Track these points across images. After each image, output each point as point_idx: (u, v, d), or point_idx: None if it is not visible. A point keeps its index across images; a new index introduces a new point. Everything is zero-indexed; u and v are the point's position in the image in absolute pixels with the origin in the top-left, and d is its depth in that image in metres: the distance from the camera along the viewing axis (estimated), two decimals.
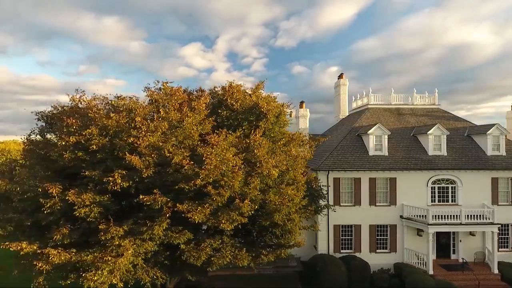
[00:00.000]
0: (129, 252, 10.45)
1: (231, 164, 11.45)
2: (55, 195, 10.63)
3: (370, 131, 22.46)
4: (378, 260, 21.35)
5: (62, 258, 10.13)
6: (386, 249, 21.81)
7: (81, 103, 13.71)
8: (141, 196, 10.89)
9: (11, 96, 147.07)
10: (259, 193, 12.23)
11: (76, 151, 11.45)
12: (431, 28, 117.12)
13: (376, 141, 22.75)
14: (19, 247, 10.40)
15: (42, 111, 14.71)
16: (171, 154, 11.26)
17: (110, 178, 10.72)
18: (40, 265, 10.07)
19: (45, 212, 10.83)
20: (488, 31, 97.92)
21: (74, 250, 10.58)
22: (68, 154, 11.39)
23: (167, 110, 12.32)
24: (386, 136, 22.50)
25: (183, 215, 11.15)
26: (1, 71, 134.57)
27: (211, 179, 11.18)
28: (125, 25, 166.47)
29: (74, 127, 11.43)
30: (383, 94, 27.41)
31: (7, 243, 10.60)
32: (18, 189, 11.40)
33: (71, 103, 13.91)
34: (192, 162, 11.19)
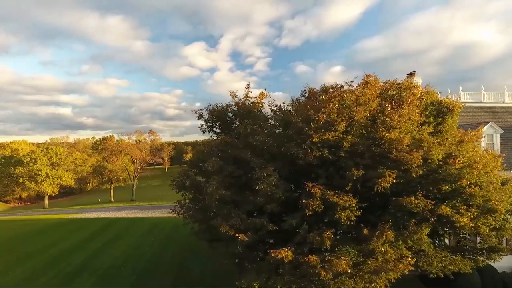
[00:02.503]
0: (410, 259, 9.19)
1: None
2: (318, 196, 9.08)
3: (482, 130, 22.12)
4: None
5: (344, 266, 8.60)
6: None
7: (248, 100, 12.69)
8: (407, 198, 9.65)
9: (12, 96, 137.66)
10: None
11: (322, 149, 9.82)
12: (437, 27, 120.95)
13: (488, 139, 22.48)
14: (282, 255, 8.65)
15: (201, 109, 13.79)
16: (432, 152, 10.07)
17: (380, 179, 9.25)
18: (324, 274, 8.43)
19: (307, 213, 9.06)
20: (494, 30, 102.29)
21: (348, 258, 9.10)
22: (315, 152, 9.68)
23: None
24: (498, 135, 22.28)
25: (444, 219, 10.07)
26: (2, 71, 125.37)
27: (473, 179, 10.17)
28: (129, 25, 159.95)
29: (321, 122, 9.82)
30: (473, 92, 27.25)
31: (273, 250, 8.84)
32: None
33: (239, 100, 12.83)
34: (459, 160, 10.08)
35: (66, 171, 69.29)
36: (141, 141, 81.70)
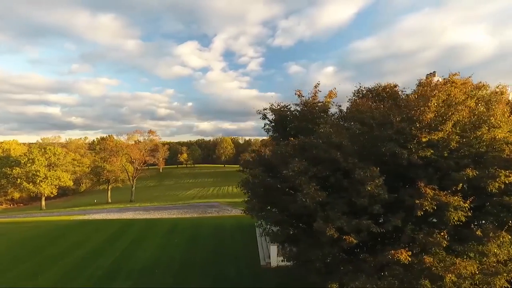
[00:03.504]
0: None
1: None
2: (429, 196, 8.74)
3: None
4: None
5: (468, 268, 8.36)
6: None
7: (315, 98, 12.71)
8: None
9: None
10: None
11: (427, 149, 9.51)
12: (430, 29, 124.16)
13: None
14: (402, 256, 8.38)
15: (265, 109, 13.82)
16: None
17: (492, 180, 8.85)
18: (449, 276, 8.24)
19: (419, 214, 8.74)
20: (485, 32, 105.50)
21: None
22: (421, 152, 9.13)
23: None
24: None
25: None
26: None
27: None
28: (121, 23, 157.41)
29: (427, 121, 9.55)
30: None
31: (393, 251, 8.43)
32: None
33: (306, 98, 12.83)
34: None
35: (64, 171, 67.65)
36: (140, 141, 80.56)
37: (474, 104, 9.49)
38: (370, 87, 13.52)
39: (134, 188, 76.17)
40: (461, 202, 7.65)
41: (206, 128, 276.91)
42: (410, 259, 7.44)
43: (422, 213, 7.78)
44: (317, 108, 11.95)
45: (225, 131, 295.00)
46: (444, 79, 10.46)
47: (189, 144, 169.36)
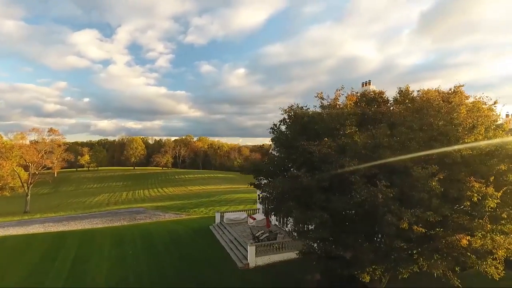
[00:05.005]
0: None
1: None
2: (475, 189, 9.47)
3: None
4: None
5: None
6: None
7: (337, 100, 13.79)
8: None
9: None
10: None
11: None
12: (331, 40, 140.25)
13: None
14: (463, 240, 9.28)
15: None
16: None
17: None
18: (500, 252, 9.54)
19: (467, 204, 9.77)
20: (373, 48, 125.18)
21: None
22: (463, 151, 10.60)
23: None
24: None
25: None
26: None
27: None
28: None
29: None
30: None
31: (456, 237, 9.35)
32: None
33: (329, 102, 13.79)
34: None
35: None
36: (38, 141, 68.03)
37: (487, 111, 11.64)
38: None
39: (29, 196, 63.81)
40: (495, 192, 9.42)
41: (106, 127, 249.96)
42: (468, 243, 8.83)
43: (469, 203, 9.28)
44: (346, 111, 12.59)
45: (128, 131, 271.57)
46: (451, 89, 12.44)
47: (90, 145, 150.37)
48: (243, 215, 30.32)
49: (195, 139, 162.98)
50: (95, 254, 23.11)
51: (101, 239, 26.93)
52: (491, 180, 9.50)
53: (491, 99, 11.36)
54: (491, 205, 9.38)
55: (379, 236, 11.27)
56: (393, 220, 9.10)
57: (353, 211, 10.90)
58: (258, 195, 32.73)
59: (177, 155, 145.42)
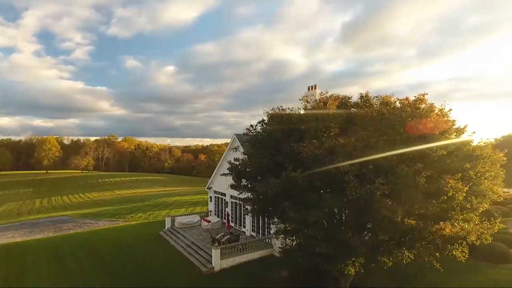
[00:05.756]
0: None
1: None
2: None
3: None
4: None
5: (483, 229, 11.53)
6: None
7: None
8: None
9: None
10: None
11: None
12: (262, 43, 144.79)
13: None
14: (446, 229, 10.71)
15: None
16: None
17: None
18: (471, 238, 11.12)
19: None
20: (300, 53, 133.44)
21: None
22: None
23: None
24: None
25: None
26: None
27: None
28: None
29: None
30: None
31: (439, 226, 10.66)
32: None
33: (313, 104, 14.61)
34: None
35: None
36: None
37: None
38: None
39: None
40: (464, 187, 11.14)
41: (5, 125, 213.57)
42: (449, 231, 10.31)
43: (445, 197, 10.81)
44: (332, 113, 13.31)
45: (36, 129, 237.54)
46: (415, 97, 14.16)
47: None
48: (196, 218, 29.45)
49: (119, 139, 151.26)
50: (30, 273, 19.87)
51: (32, 255, 23.21)
52: (459, 176, 11.23)
53: (448, 104, 13.38)
54: (460, 198, 11.06)
55: (368, 230, 12.26)
56: (389, 214, 10.07)
57: (346, 209, 11.67)
58: (210, 197, 32.20)
59: (100, 156, 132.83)
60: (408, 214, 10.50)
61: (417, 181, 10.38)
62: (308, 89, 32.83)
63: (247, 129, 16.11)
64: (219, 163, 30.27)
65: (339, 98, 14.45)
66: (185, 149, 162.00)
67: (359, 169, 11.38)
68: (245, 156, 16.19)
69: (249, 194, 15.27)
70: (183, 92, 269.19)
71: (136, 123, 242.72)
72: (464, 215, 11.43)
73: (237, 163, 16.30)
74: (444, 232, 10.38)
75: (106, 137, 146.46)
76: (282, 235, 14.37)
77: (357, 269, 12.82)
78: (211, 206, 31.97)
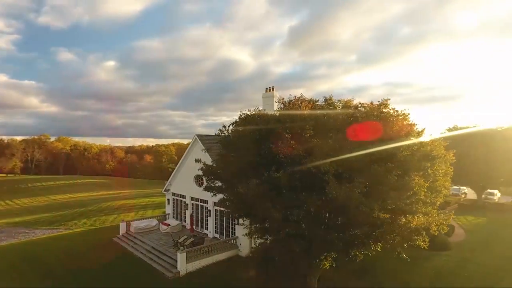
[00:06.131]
0: None
1: None
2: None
3: None
4: None
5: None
6: None
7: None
8: None
9: None
10: None
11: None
12: (210, 42, 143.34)
13: None
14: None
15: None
16: None
17: None
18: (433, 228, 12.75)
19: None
20: (249, 54, 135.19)
21: None
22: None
23: None
24: None
25: None
26: None
27: None
28: None
29: None
30: None
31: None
32: None
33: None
34: None
35: None
36: None
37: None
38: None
39: None
40: (425, 184, 12.52)
41: None
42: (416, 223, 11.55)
43: (412, 192, 12.03)
44: (307, 115, 13.86)
45: None
46: (380, 102, 15.41)
47: None
48: (154, 222, 28.20)
49: (52, 139, 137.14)
50: None
51: None
52: (421, 174, 12.63)
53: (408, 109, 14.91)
54: (422, 194, 12.43)
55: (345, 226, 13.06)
56: (367, 210, 10.94)
57: (326, 207, 12.30)
58: (168, 199, 31.09)
59: (29, 158, 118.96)
60: (382, 210, 11.49)
61: (389, 179, 11.43)
62: (266, 90, 33.09)
63: (220, 129, 16.04)
64: (178, 165, 29.38)
65: (312, 100, 15.19)
66: (129, 150, 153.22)
67: (336, 169, 12.12)
68: (217, 157, 16.10)
69: (224, 195, 15.24)
70: (126, 89, 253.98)
71: (72, 122, 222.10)
72: (425, 208, 12.86)
73: (212, 164, 16.16)
74: (412, 225, 11.63)
75: (36, 137, 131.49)
76: (256, 235, 14.63)
77: (330, 263, 13.61)
78: (169, 209, 30.88)
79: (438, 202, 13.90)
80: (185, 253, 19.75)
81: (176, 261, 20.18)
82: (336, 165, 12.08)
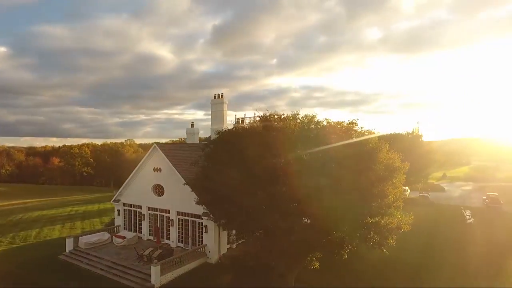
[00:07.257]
0: None
1: None
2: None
3: None
4: None
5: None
6: None
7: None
8: None
9: None
10: None
11: None
12: (127, 34, 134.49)
13: None
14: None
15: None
16: None
17: None
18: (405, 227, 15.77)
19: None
20: (170, 50, 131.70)
21: None
22: None
23: None
24: None
25: None
26: None
27: None
28: None
29: None
30: None
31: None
32: None
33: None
34: None
35: None
36: None
37: None
38: None
39: None
40: (393, 190, 15.67)
41: None
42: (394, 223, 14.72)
43: (387, 199, 15.00)
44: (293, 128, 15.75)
45: None
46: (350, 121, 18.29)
47: None
48: (106, 235, 26.51)
49: None
50: None
51: None
52: (390, 183, 15.84)
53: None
54: (392, 199, 15.57)
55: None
56: (360, 216, 13.57)
57: (324, 215, 14.36)
58: (118, 210, 29.46)
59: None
60: (369, 213, 14.28)
61: (372, 192, 14.23)
62: (215, 97, 33.52)
63: (204, 141, 17.02)
64: (132, 174, 28.14)
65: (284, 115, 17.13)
66: (30, 152, 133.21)
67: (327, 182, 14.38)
68: (203, 168, 17.00)
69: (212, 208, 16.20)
70: (20, 80, 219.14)
71: None
72: (395, 211, 16.06)
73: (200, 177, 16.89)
74: (391, 225, 14.68)
75: None
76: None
77: (318, 262, 15.88)
78: (119, 221, 29.24)
79: (401, 206, 17.29)
80: (159, 266, 19.64)
81: (146, 275, 19.93)
82: (327, 178, 14.36)
